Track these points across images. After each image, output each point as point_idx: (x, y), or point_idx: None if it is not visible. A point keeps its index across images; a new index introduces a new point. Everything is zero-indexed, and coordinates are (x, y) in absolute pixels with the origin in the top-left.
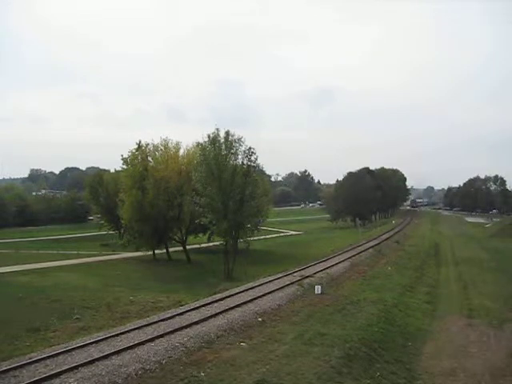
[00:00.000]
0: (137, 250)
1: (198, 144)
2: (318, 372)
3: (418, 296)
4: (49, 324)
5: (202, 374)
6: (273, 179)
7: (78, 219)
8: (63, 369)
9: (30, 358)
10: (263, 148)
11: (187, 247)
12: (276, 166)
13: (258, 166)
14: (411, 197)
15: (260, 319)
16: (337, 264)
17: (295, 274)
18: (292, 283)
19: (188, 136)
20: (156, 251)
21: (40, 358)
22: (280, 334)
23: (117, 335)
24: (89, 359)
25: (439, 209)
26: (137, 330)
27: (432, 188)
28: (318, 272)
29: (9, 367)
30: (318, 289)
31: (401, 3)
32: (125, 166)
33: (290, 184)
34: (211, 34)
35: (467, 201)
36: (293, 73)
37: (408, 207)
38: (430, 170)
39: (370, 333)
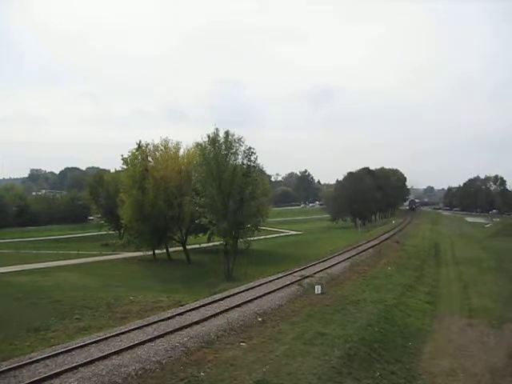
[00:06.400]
0: (137, 250)
1: (198, 144)
2: (318, 372)
3: (418, 296)
4: (49, 324)
5: (202, 374)
6: (273, 179)
7: (78, 219)
8: (63, 369)
9: (30, 358)
10: (263, 148)
11: (187, 247)
12: (276, 166)
13: (257, 165)
14: (411, 197)
15: (260, 319)
16: (337, 264)
17: (295, 274)
18: (292, 283)
19: (188, 136)
20: (156, 251)
21: (40, 358)
22: (280, 334)
23: (117, 335)
24: (89, 359)
25: (439, 209)
26: (137, 330)
27: (432, 188)
28: (317, 272)
29: (9, 367)
30: (318, 289)
31: (401, 3)
32: (125, 166)
33: (290, 184)
34: (211, 33)
35: (467, 201)
36: (293, 73)
37: (407, 207)
38: (430, 170)
39: (370, 333)
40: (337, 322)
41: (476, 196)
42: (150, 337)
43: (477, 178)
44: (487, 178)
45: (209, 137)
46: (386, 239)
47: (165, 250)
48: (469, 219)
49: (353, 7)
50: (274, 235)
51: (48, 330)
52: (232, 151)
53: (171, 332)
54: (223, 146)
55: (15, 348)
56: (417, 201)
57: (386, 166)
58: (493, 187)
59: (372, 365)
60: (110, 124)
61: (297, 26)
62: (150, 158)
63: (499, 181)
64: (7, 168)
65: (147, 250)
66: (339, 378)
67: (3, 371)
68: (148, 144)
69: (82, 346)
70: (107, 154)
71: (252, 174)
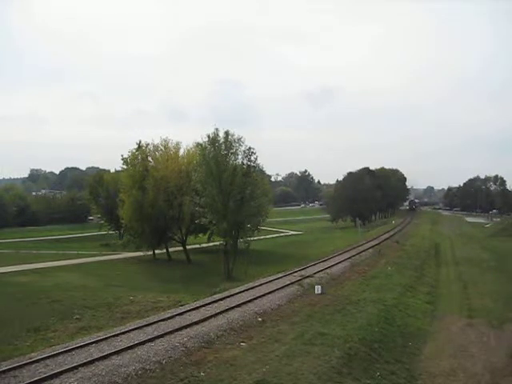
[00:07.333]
0: (137, 250)
1: (198, 144)
2: (318, 372)
3: (418, 296)
4: (49, 324)
5: (202, 374)
6: (273, 179)
7: (78, 219)
8: (63, 369)
9: (30, 358)
10: (263, 148)
11: (187, 247)
12: (276, 166)
13: (257, 165)
14: (411, 197)
15: (260, 319)
16: (337, 264)
17: (295, 274)
18: (292, 283)
19: (188, 135)
20: (156, 251)
21: (40, 357)
22: (280, 334)
23: (117, 335)
24: (89, 359)
25: (439, 209)
26: (137, 330)
27: (432, 188)
28: (318, 272)
29: (9, 367)
30: (318, 289)
31: (401, 3)
32: (125, 166)
33: (290, 184)
34: (211, 33)
35: (467, 201)
36: (293, 73)
37: (407, 207)
38: (430, 170)
39: (369, 333)
40: (337, 321)
41: (476, 196)
42: (149, 337)
43: (477, 178)
44: (487, 178)
45: (209, 137)
46: (386, 239)
47: (165, 250)
48: (469, 219)
49: (353, 7)
50: (274, 235)
51: (48, 330)
52: (232, 151)
53: (171, 332)
54: (223, 146)
55: (15, 348)
56: (417, 201)
57: (386, 166)
58: (493, 187)
59: (372, 365)
60: (110, 124)
61: (297, 26)
62: (150, 158)
63: (499, 181)
64: (7, 168)
65: (147, 250)
66: (339, 378)
67: (3, 371)
68: (148, 144)
69: (81, 346)
70: (107, 154)
71: (252, 174)
